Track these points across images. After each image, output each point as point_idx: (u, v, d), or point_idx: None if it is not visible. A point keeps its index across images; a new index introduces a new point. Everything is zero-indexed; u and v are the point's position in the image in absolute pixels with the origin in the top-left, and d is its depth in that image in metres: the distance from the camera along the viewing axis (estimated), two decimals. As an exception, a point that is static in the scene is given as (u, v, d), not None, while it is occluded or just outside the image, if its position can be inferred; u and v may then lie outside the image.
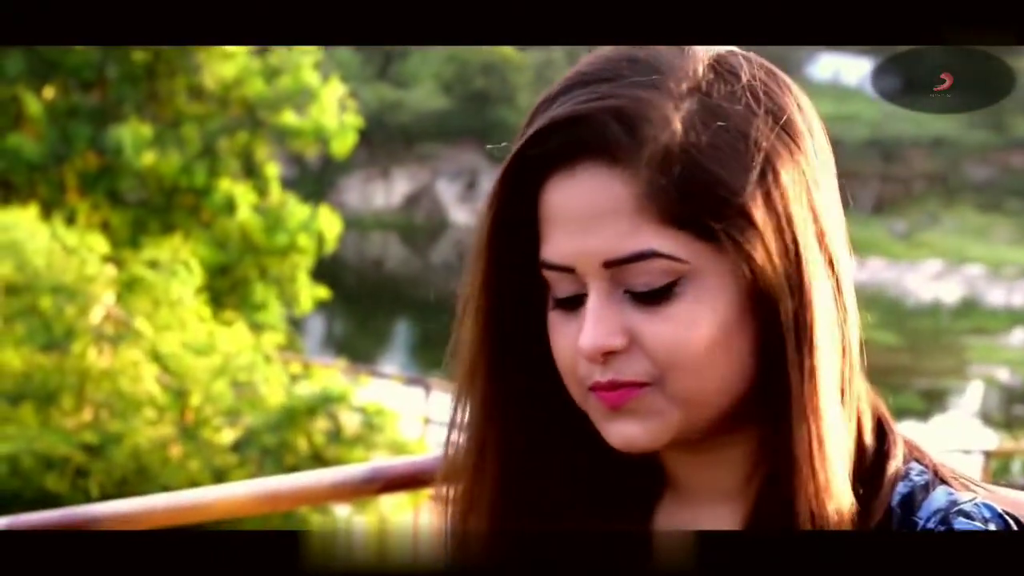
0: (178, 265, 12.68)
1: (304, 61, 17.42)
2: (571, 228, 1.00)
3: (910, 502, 1.02)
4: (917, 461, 1.06)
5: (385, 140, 37.58)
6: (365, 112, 20.18)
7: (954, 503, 1.01)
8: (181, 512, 2.02)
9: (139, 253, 13.13)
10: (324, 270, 18.10)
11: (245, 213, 16.96)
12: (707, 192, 0.98)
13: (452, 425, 1.11)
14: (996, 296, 33.78)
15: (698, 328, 0.99)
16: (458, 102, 39.08)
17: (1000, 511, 1.00)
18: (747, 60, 1.03)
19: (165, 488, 8.70)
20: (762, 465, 1.03)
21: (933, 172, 40.07)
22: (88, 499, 9.34)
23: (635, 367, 1.00)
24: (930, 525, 1.01)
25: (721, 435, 1.04)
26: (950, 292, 34.49)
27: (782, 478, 1.00)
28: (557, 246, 1.01)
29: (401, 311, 29.89)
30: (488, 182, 1.05)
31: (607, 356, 1.00)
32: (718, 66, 1.02)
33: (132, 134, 16.49)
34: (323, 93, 17.35)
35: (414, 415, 14.19)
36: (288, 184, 19.37)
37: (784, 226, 0.99)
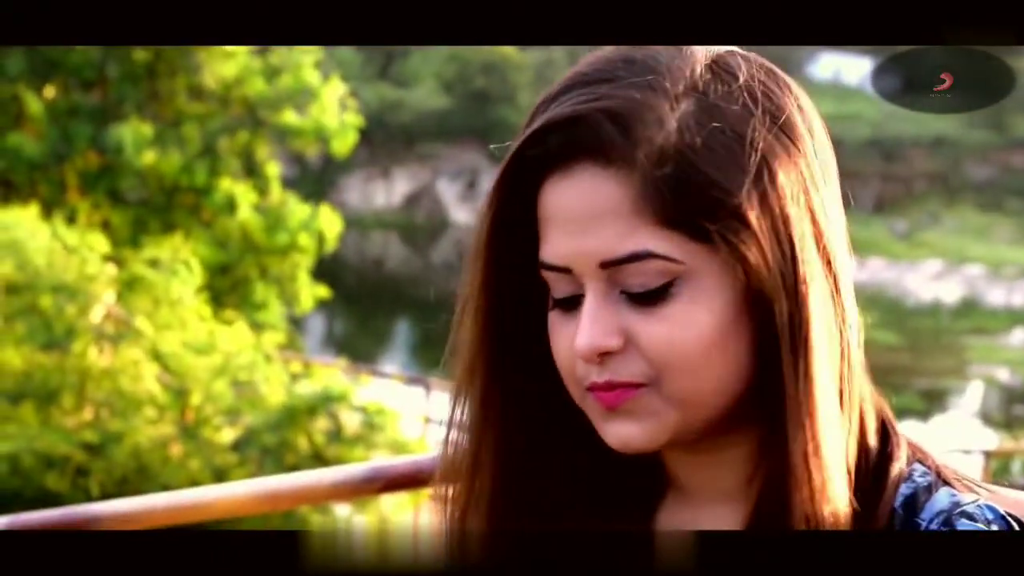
0: (179, 264, 12.68)
1: (305, 60, 17.42)
2: (568, 229, 1.00)
3: (913, 503, 1.02)
4: (920, 462, 1.06)
5: (386, 139, 37.59)
6: (366, 111, 20.18)
7: (957, 504, 1.01)
8: (181, 511, 2.02)
9: (140, 252, 13.13)
10: (325, 269, 18.11)
11: (246, 212, 16.97)
12: (701, 193, 0.97)
13: (451, 424, 1.11)
14: (996, 296, 33.78)
15: (693, 329, 0.99)
16: (459, 101, 39.08)
17: (1003, 512, 1.00)
18: (746, 60, 1.03)
19: (165, 487, 8.69)
20: (762, 466, 1.02)
21: (934, 172, 40.07)
22: (88, 498, 9.33)
23: (631, 368, 1.00)
24: (933, 527, 1.00)
25: (720, 436, 1.04)
26: (950, 292, 34.49)
27: (779, 479, 1.00)
28: (554, 247, 1.01)
29: (402, 310, 29.88)
30: (488, 182, 1.05)
31: (603, 357, 1.00)
32: (716, 67, 1.02)
33: (133, 133, 16.50)
34: (324, 92, 17.36)
35: (414, 414, 14.19)
36: (289, 183, 19.38)
37: (780, 227, 0.98)
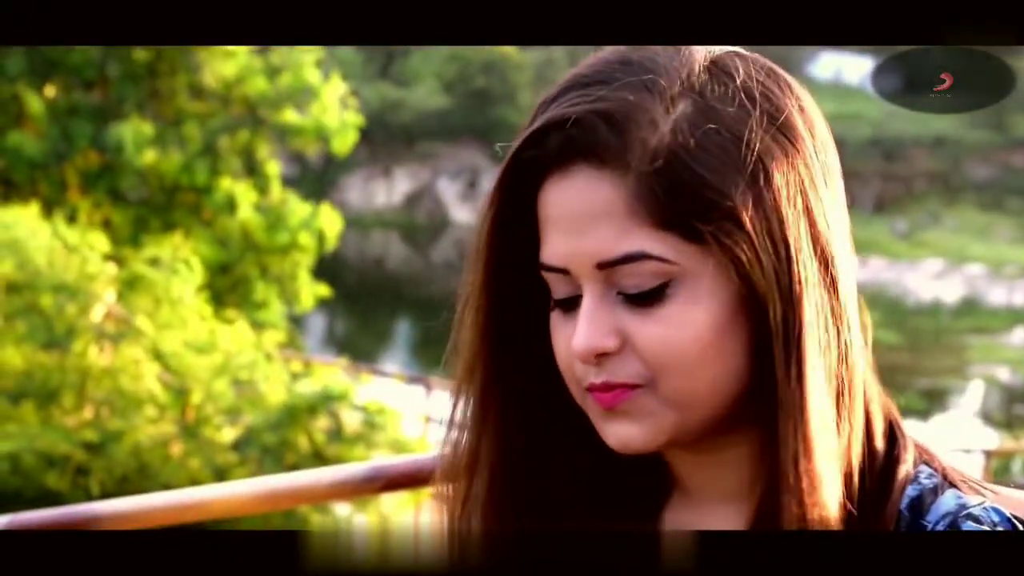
0: (179, 263, 12.68)
1: (305, 59, 17.42)
2: (565, 230, 1.00)
3: (919, 506, 1.02)
4: (927, 464, 1.05)
5: (386, 139, 37.59)
6: (366, 110, 20.18)
7: (963, 507, 1.01)
8: (181, 510, 2.02)
9: (140, 251, 13.12)
10: (325, 268, 18.10)
11: (246, 211, 16.97)
12: (695, 194, 0.97)
13: (452, 424, 1.11)
14: (997, 295, 33.79)
15: (689, 329, 0.99)
16: (459, 101, 39.08)
17: (1009, 515, 1.00)
18: (745, 61, 1.03)
19: (166, 486, 8.70)
20: (763, 466, 1.02)
21: (934, 171, 40.07)
22: (89, 497, 9.34)
23: (627, 369, 1.00)
24: (939, 529, 1.00)
25: (721, 436, 1.04)
26: (951, 291, 34.49)
27: (772, 479, 1.00)
28: (553, 247, 1.02)
29: (402, 309, 29.89)
30: (489, 181, 1.05)
31: (600, 357, 1.00)
32: (714, 67, 1.01)
33: (133, 132, 16.50)
34: (324, 91, 17.35)
35: (415, 414, 14.19)
36: (289, 182, 19.38)
37: (775, 228, 0.98)
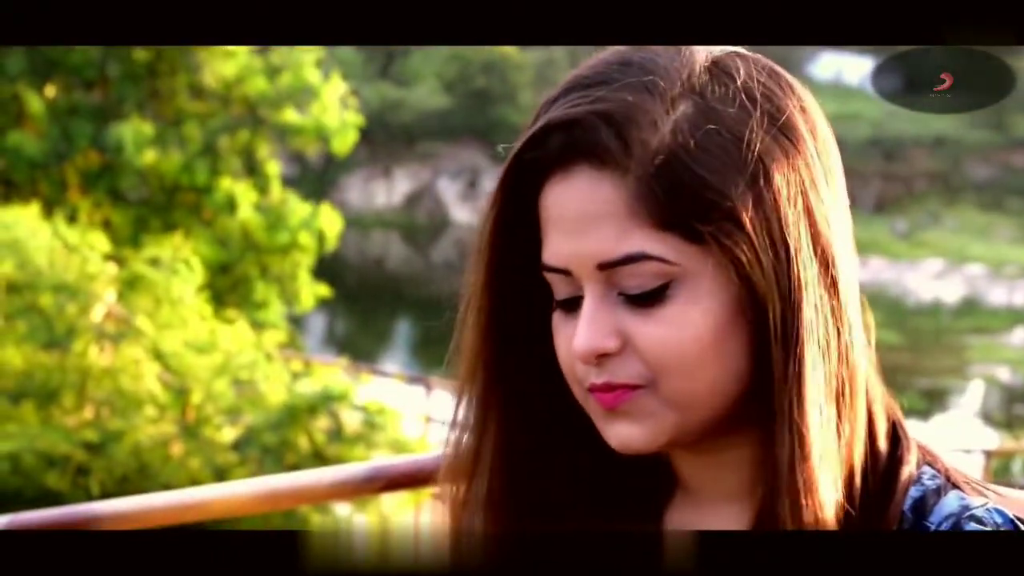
0: (179, 263, 12.68)
1: (305, 59, 17.42)
2: (566, 230, 1.00)
3: (922, 507, 1.02)
4: (930, 465, 1.05)
5: (386, 138, 37.59)
6: (366, 110, 20.19)
7: (966, 508, 1.01)
8: (181, 510, 2.02)
9: (140, 251, 13.13)
10: (325, 268, 18.11)
11: (246, 211, 16.97)
12: (695, 195, 0.97)
13: (453, 424, 1.11)
14: (997, 295, 33.79)
15: (689, 330, 0.99)
16: (459, 101, 39.08)
17: (1011, 516, 1.00)
18: (746, 61, 1.03)
19: (166, 486, 8.70)
20: (764, 467, 1.02)
21: (934, 171, 40.07)
22: (89, 497, 9.34)
23: (628, 369, 1.00)
24: (942, 530, 1.00)
25: (722, 437, 1.04)
26: (951, 291, 34.49)
27: (769, 479, 0.99)
28: (554, 248, 1.02)
29: (402, 309, 29.89)
30: (489, 181, 1.05)
31: (601, 358, 1.00)
32: (714, 68, 1.01)
33: (133, 132, 16.50)
34: (324, 91, 17.36)
35: (415, 414, 14.20)
36: (289, 182, 19.38)
37: (775, 228, 0.98)
